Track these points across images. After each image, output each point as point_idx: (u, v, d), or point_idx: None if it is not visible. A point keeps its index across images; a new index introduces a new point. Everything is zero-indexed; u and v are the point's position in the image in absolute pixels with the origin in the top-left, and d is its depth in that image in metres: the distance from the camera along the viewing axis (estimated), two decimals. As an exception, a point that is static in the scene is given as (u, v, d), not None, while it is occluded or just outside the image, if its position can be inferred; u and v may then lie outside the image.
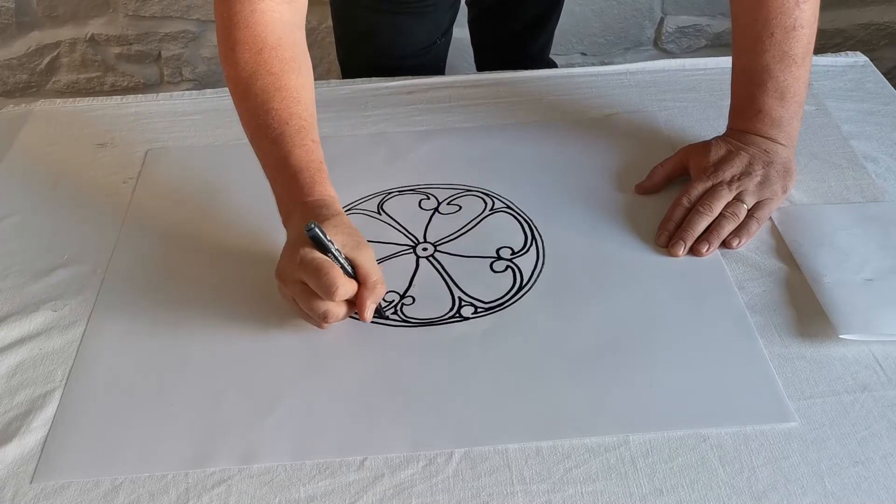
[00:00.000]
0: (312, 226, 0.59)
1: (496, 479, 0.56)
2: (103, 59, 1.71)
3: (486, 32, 1.27)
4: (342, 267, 0.61)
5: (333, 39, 1.71)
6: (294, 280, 0.62)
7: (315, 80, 0.75)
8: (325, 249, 0.60)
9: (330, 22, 1.63)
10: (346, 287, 0.60)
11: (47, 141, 0.92)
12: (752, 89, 0.76)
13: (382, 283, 0.63)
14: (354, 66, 1.15)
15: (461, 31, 1.22)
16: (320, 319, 0.62)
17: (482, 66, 1.33)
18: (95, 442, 0.60)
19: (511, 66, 1.02)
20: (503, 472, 0.56)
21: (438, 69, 1.19)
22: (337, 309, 0.61)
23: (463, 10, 1.20)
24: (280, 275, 0.64)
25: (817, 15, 0.74)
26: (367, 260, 0.62)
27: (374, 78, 0.99)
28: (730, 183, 0.74)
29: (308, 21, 1.82)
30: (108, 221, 0.80)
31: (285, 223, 0.67)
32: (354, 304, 0.62)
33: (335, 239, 0.61)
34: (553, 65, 1.35)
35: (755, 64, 0.75)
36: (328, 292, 0.59)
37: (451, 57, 1.23)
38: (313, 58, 0.76)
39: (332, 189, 0.67)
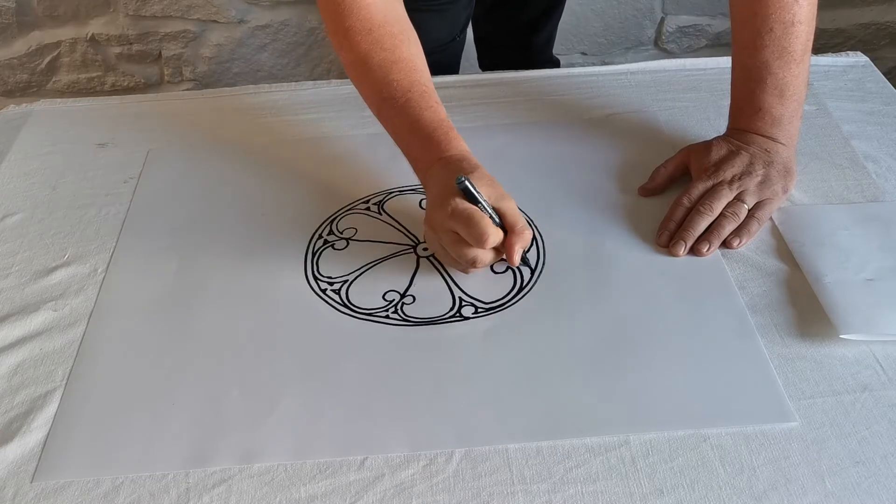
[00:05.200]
0: (463, 179, 0.64)
1: (496, 479, 0.56)
2: (104, 58, 1.71)
3: (493, 27, 1.27)
4: (490, 216, 0.65)
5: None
6: (445, 229, 0.66)
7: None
8: (474, 200, 0.64)
9: (331, 22, 1.64)
10: (496, 235, 0.64)
11: (48, 141, 0.92)
12: (752, 86, 0.76)
13: (528, 229, 0.67)
14: None
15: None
16: (468, 265, 0.67)
17: (486, 61, 1.33)
18: (96, 441, 0.60)
19: (516, 60, 1.01)
20: (503, 471, 0.56)
21: (454, 66, 1.19)
22: (485, 255, 0.66)
23: None
24: (431, 224, 0.68)
25: (815, 13, 0.74)
26: (511, 208, 0.67)
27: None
28: (730, 183, 0.74)
29: (308, 21, 1.83)
30: (109, 221, 0.80)
31: (424, 180, 0.72)
32: (500, 251, 0.67)
33: (482, 190, 0.65)
34: (556, 62, 1.35)
35: (754, 61, 0.75)
36: (480, 240, 0.64)
37: (452, 57, 1.23)
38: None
39: (464, 143, 0.72)
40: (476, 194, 0.64)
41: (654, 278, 0.70)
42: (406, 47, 0.75)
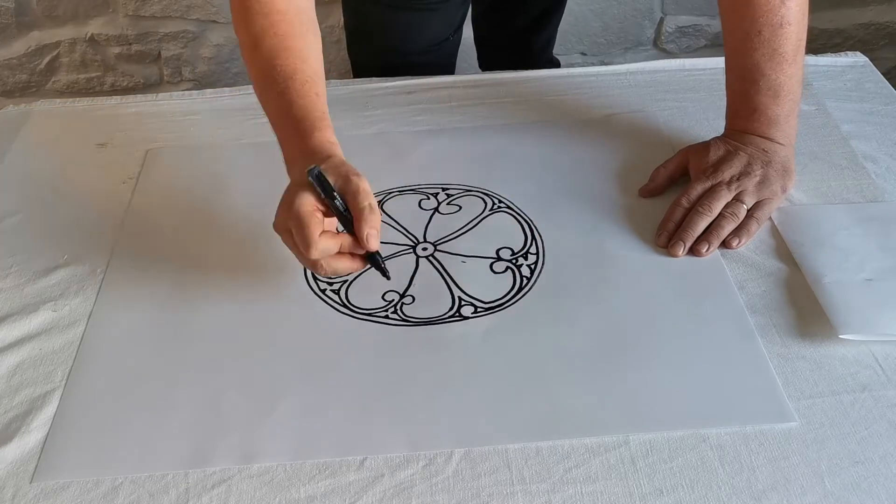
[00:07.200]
0: (315, 168, 0.61)
1: (496, 479, 0.56)
2: (103, 58, 1.71)
3: (493, 27, 1.27)
4: (340, 212, 0.61)
5: (335, 39, 1.71)
6: (285, 229, 0.63)
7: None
8: (328, 194, 0.61)
9: (331, 22, 1.64)
10: (322, 244, 0.60)
11: (47, 141, 0.92)
12: (746, 88, 0.76)
13: (375, 210, 0.62)
14: (365, 61, 1.15)
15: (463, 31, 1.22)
16: (312, 270, 0.63)
17: (486, 62, 1.33)
18: (95, 442, 0.60)
19: (516, 62, 1.01)
20: (503, 472, 0.56)
21: (449, 66, 1.19)
22: (334, 264, 0.62)
23: None
24: (275, 223, 0.64)
25: (806, 13, 0.74)
26: (355, 190, 0.61)
27: (374, 78, 0.99)
28: (729, 183, 0.74)
29: (308, 21, 1.79)
30: (108, 221, 0.80)
31: (288, 171, 0.68)
32: (359, 258, 0.63)
33: (329, 179, 0.62)
34: (556, 62, 1.35)
35: (746, 62, 0.75)
36: (304, 248, 0.60)
37: (453, 56, 1.23)
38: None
39: (332, 135, 0.68)
40: (322, 189, 0.61)
41: (654, 278, 0.70)
42: (301, 38, 0.73)
